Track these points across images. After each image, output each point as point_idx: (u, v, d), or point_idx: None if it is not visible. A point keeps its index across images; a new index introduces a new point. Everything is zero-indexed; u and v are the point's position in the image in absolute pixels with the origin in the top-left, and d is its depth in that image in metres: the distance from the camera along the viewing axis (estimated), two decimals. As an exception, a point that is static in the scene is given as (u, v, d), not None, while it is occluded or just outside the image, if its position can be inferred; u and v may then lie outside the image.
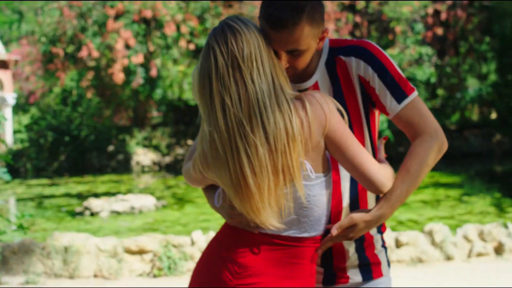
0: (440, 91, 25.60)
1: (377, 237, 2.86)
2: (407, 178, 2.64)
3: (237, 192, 2.50)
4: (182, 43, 23.46)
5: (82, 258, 7.99)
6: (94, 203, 15.18)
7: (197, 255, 8.00)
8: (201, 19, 24.08)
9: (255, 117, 2.44)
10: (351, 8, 23.74)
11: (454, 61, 25.26)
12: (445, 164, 19.14)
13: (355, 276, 2.81)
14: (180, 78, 25.16)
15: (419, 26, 23.18)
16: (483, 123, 27.14)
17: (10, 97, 30.54)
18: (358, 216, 2.61)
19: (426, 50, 22.95)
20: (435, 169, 19.04)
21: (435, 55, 24.07)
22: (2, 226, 10.09)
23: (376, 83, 2.66)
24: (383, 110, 2.72)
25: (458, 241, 8.55)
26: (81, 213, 15.15)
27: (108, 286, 7.69)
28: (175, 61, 24.91)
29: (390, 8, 22.84)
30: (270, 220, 2.51)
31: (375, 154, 2.85)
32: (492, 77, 26.36)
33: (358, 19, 23.47)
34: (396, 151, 24.46)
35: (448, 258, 8.40)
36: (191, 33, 24.04)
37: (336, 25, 22.62)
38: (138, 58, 22.96)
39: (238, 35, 2.48)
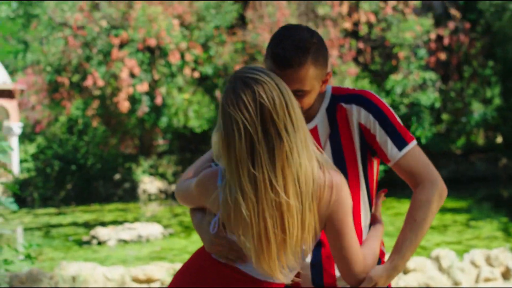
0: (445, 116, 25.60)
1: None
2: (415, 227, 2.72)
3: (256, 248, 2.47)
4: (187, 71, 23.57)
5: (89, 287, 8.00)
6: (101, 232, 15.19)
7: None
8: (205, 47, 24.19)
9: (290, 170, 2.39)
10: (354, 34, 23.84)
11: (458, 85, 25.29)
12: (452, 189, 19.04)
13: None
14: (185, 106, 25.27)
15: (422, 52, 23.24)
16: (488, 148, 27.11)
17: (16, 127, 30.63)
18: (375, 274, 2.65)
19: (430, 75, 22.99)
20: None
21: (439, 80, 24.11)
22: (10, 256, 10.10)
23: (377, 131, 2.73)
24: (384, 158, 2.77)
25: (465, 266, 8.54)
26: (88, 242, 15.16)
27: (116, 315, 7.69)
28: (180, 89, 25.01)
29: (392, 34, 22.92)
30: (278, 272, 2.52)
31: (371, 204, 2.88)
32: (497, 101, 26.37)
33: (361, 45, 23.55)
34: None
35: (456, 283, 8.39)
36: (196, 61, 24.15)
37: (339, 51, 22.70)
38: (143, 87, 23.05)
39: (264, 85, 2.42)
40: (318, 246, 2.82)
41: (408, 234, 2.71)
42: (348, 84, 22.34)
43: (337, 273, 2.83)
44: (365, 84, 23.77)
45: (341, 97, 2.78)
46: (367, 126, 2.72)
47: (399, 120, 2.79)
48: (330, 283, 2.84)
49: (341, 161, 2.75)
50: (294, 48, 2.55)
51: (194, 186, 2.68)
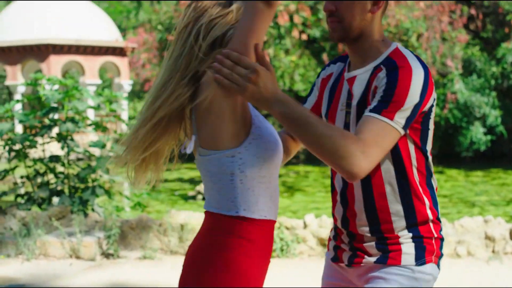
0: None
1: (402, 233, 2.75)
2: (323, 128, 2.43)
3: None
4: (295, 33, 23.56)
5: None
6: (206, 188, 15.50)
7: (310, 238, 8.09)
8: (314, 9, 24.11)
9: None
10: (466, 0, 23.33)
11: None
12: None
13: (370, 254, 2.78)
14: (292, 69, 25.29)
15: (538, 20, 22.59)
16: None
17: (126, 84, 31.36)
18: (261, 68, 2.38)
19: (543, 44, 22.36)
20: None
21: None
22: (121, 203, 10.45)
23: (379, 90, 2.59)
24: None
25: None
26: (193, 197, 15.49)
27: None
28: (287, 51, 25.04)
29: (507, 1, 22.32)
30: None
31: (404, 181, 2.75)
32: None
33: (473, 11, 23.04)
34: (510, 147, 23.94)
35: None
36: (304, 24, 24.11)
37: (450, 17, 22.28)
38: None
39: None
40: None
41: (306, 111, 2.44)
42: (458, 51, 21.93)
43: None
44: (475, 52, 23.28)
45: (390, 61, 2.64)
46: (376, 84, 2.63)
47: (407, 100, 2.54)
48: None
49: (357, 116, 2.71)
50: None
51: None
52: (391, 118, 2.52)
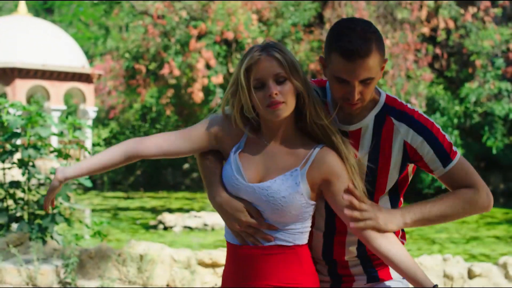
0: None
1: None
2: (439, 206, 2.83)
3: None
4: (262, 66, 23.63)
5: (156, 267, 8.15)
6: (167, 218, 15.44)
7: (269, 272, 8.08)
8: (281, 43, 24.26)
9: None
10: (432, 40, 23.64)
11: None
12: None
13: (359, 276, 2.93)
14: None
15: (500, 61, 22.91)
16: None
17: (91, 110, 31.24)
18: (378, 208, 2.77)
19: (506, 85, 22.64)
20: (510, 206, 18.78)
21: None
22: (80, 232, 10.36)
23: (426, 152, 2.83)
24: (428, 170, 2.90)
25: (531, 275, 8.44)
26: (155, 227, 15.43)
27: (180, 296, 7.83)
28: (254, 84, 25.09)
29: (471, 42, 22.66)
30: None
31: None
32: None
33: (438, 50, 23.36)
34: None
35: (522, 292, 8.31)
36: (271, 57, 24.22)
37: (416, 55, 22.56)
38: (218, 79, 23.24)
39: None
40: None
41: (428, 206, 2.81)
42: (422, 89, 22.20)
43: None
44: (439, 90, 23.55)
45: (393, 110, 2.87)
46: (414, 146, 2.82)
47: (446, 137, 2.88)
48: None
49: (373, 171, 2.84)
50: (360, 39, 2.66)
51: None
52: (456, 153, 2.86)
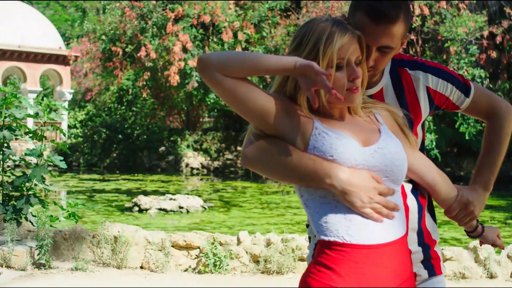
0: (492, 114, 25.38)
1: (434, 235, 2.86)
2: (492, 150, 2.96)
3: None
4: (238, 50, 23.69)
5: (130, 249, 8.20)
6: (143, 200, 15.48)
7: (243, 254, 8.17)
8: (257, 27, 24.29)
9: None
10: (408, 26, 23.76)
11: (507, 85, 25.09)
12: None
13: (421, 272, 2.80)
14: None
15: (474, 48, 23.08)
16: (534, 149, 26.85)
17: (68, 93, 31.12)
18: (466, 197, 2.82)
19: (479, 72, 22.84)
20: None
21: (487, 78, 23.95)
22: (55, 213, 10.37)
23: (449, 89, 2.88)
24: (455, 108, 2.97)
25: (502, 259, 8.57)
26: (130, 209, 15.47)
27: (154, 278, 7.88)
28: (230, 67, 25.11)
29: (445, 28, 22.79)
30: None
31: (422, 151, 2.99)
32: (547, 103, 26.07)
33: (413, 36, 23.48)
34: (443, 171, 24.37)
35: (491, 276, 8.43)
36: (248, 41, 24.26)
37: (392, 41, 22.65)
38: (195, 62, 23.24)
39: None
40: None
41: (486, 158, 2.94)
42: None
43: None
44: (415, 76, 23.69)
45: (403, 61, 2.86)
46: (438, 90, 2.86)
47: (454, 71, 2.97)
48: None
49: (409, 122, 2.79)
50: (390, 2, 2.57)
51: None
52: (469, 80, 2.94)
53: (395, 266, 2.40)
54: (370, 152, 2.43)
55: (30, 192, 9.11)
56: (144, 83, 26.12)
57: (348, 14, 2.67)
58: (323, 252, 2.38)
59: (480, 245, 3.02)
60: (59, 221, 9.56)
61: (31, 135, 9.40)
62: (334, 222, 2.39)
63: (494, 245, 2.95)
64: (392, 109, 2.66)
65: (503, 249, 3.01)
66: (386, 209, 2.41)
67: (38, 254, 7.95)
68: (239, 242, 8.28)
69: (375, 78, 2.79)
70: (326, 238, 2.38)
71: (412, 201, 2.74)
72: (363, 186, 2.39)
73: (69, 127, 30.89)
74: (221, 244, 8.23)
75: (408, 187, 2.77)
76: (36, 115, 9.62)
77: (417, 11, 22.91)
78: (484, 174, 2.91)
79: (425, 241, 2.80)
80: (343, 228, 2.37)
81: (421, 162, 2.71)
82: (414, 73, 2.85)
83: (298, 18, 23.71)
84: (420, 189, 2.80)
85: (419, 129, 2.88)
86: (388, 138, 2.50)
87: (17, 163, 10.20)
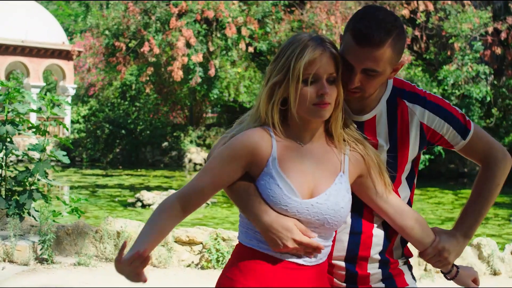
0: (494, 111, 25.39)
1: (400, 260, 2.95)
2: (479, 200, 2.92)
3: None
4: (242, 45, 23.67)
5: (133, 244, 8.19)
6: (146, 195, 15.47)
7: (245, 250, 8.16)
8: (261, 23, 24.26)
9: None
10: (411, 22, 23.71)
11: (511, 82, 25.05)
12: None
13: (379, 286, 2.87)
14: (237, 80, 25.39)
15: (478, 44, 23.04)
16: (537, 147, 26.79)
17: (71, 88, 31.10)
18: (442, 244, 2.84)
19: (484, 68, 22.80)
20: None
21: (492, 75, 23.90)
22: (58, 208, 10.36)
23: (445, 129, 2.84)
24: (449, 147, 2.93)
25: (506, 256, 8.55)
26: (133, 204, 15.45)
27: (157, 273, 7.87)
28: (233, 63, 25.12)
29: (450, 25, 22.75)
30: None
31: (411, 195, 2.98)
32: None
33: (417, 32, 23.44)
34: (447, 167, 24.35)
35: (495, 273, 8.41)
36: (251, 36, 24.23)
37: (396, 37, 22.60)
38: (198, 57, 23.22)
39: None
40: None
41: (472, 206, 2.90)
42: (400, 71, 22.28)
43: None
44: (417, 72, 23.66)
45: (403, 92, 2.84)
46: (433, 127, 2.83)
47: (458, 109, 2.90)
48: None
49: (394, 157, 2.82)
50: (377, 27, 2.57)
51: None
52: (470, 122, 2.91)
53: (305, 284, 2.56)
54: (306, 206, 2.51)
55: (33, 187, 9.10)
56: (148, 78, 26.11)
57: (343, 33, 2.72)
58: (239, 254, 2.61)
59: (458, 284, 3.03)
60: (62, 216, 9.54)
61: (34, 130, 9.39)
62: (252, 232, 2.58)
63: None
64: (367, 153, 2.68)
65: None
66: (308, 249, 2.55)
67: (40, 249, 7.94)
68: (242, 238, 8.27)
69: (371, 104, 2.80)
70: (243, 243, 2.60)
71: (379, 232, 2.83)
72: (282, 234, 2.50)
73: (72, 122, 30.89)
74: (224, 239, 8.22)
75: (380, 218, 2.82)
76: (39, 110, 9.61)
77: (422, 7, 22.87)
78: (467, 222, 2.91)
79: (387, 264, 2.88)
80: (258, 238, 2.56)
81: (393, 207, 2.76)
82: (412, 107, 2.83)
83: (302, 14, 23.68)
84: None
85: (407, 167, 2.90)
86: (334, 193, 2.56)
87: (20, 158, 10.22)
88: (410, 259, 3.01)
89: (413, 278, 2.98)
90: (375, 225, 2.82)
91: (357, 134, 2.70)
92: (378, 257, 2.83)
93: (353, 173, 2.64)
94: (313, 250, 2.54)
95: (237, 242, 2.67)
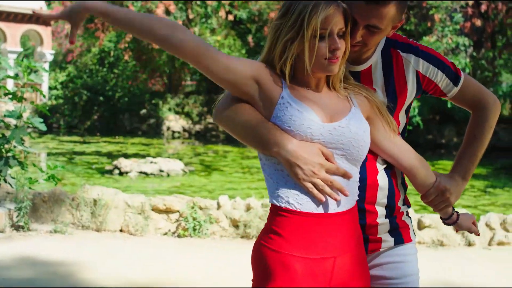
0: (474, 83, 25.44)
1: (403, 208, 2.97)
2: (474, 142, 3.03)
3: None
4: (222, 13, 23.56)
5: (110, 212, 8.17)
6: (123, 163, 15.43)
7: (223, 219, 8.17)
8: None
9: None
10: (392, -8, 23.68)
11: (490, 54, 25.13)
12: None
13: (387, 238, 2.89)
14: (217, 48, 25.25)
15: (458, 16, 23.06)
16: (513, 119, 27.03)
17: (48, 53, 30.85)
18: (444, 185, 2.90)
19: (463, 40, 22.84)
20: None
21: (471, 46, 23.95)
22: (34, 175, 10.31)
23: (439, 76, 2.92)
24: (442, 95, 3.02)
25: (480, 228, 8.62)
26: (110, 172, 15.42)
27: (133, 241, 7.87)
28: (213, 31, 25.00)
29: (431, -4, 22.77)
30: None
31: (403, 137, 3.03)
32: (528, 72, 26.22)
33: (398, 3, 23.42)
34: (425, 138, 24.47)
35: (469, 244, 8.49)
36: (231, 5, 24.11)
37: (376, 7, 22.58)
38: (177, 25, 23.07)
39: None
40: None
41: (468, 148, 3.02)
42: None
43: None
44: (398, 43, 23.65)
45: (397, 43, 2.90)
46: (428, 75, 2.91)
47: (447, 58, 3.00)
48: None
49: (393, 103, 2.88)
50: None
51: None
52: (460, 70, 2.99)
53: (342, 235, 2.52)
54: (329, 129, 2.51)
55: (9, 154, 9.03)
56: (126, 45, 25.94)
57: None
58: (274, 219, 2.50)
59: (456, 232, 3.12)
60: (38, 183, 9.51)
61: (10, 96, 9.30)
62: (285, 189, 2.50)
63: (470, 231, 3.04)
64: (370, 95, 2.72)
65: (479, 235, 3.07)
66: (330, 188, 2.49)
67: (17, 216, 7.91)
68: (219, 206, 8.27)
69: (366, 55, 2.84)
70: (278, 204, 2.50)
71: (383, 178, 2.85)
72: (308, 160, 2.48)
73: (50, 88, 30.67)
74: (201, 208, 8.22)
75: (382, 165, 2.86)
76: (15, 76, 9.51)
77: (402, -23, 22.83)
78: (464, 164, 3.01)
79: (394, 213, 2.91)
80: (293, 196, 2.49)
81: (399, 147, 2.81)
82: (406, 56, 2.89)
83: (282, -17, 23.57)
84: (394, 168, 2.89)
85: (402, 114, 2.96)
86: (354, 119, 2.57)
87: (-3, 124, 10.11)
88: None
89: (414, 233, 3.02)
90: (379, 171, 2.85)
91: (356, 82, 2.76)
92: (384, 201, 2.85)
93: (362, 112, 2.68)
94: (342, 175, 2.53)
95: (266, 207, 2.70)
